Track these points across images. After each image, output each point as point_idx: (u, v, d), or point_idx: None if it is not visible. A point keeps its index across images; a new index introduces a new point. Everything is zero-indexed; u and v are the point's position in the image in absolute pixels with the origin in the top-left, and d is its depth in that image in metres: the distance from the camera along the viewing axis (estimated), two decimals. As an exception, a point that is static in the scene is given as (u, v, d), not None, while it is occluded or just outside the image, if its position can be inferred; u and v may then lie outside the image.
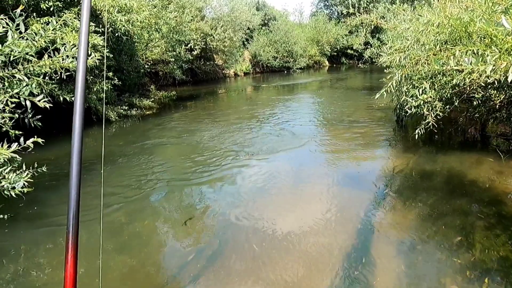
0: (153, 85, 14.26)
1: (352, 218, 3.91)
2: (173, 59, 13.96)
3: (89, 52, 5.64)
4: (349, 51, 31.35)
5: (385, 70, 6.93)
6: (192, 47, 16.35)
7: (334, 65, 31.20)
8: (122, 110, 8.95)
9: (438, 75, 4.70)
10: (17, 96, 3.62)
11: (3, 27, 3.58)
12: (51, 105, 3.81)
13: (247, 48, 25.69)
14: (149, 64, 12.49)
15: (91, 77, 7.81)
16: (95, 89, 7.81)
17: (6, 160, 3.44)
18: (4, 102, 3.65)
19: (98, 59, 4.88)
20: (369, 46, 21.70)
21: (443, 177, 4.89)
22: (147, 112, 10.04)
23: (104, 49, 7.08)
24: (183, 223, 4.05)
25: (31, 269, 3.25)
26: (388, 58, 5.02)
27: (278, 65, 25.77)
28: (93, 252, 3.38)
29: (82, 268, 3.16)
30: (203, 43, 17.23)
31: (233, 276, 3.04)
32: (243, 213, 4.11)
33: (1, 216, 3.43)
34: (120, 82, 8.69)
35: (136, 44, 10.80)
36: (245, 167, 5.57)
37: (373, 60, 15.40)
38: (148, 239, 3.83)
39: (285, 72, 25.88)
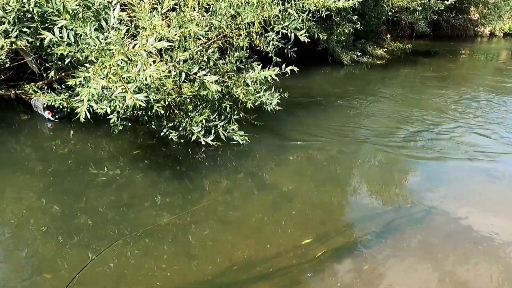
0: (389, 34, 13.53)
1: None
2: (421, 8, 12.54)
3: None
4: None
5: None
6: (447, -5, 14.12)
7: None
8: (355, 56, 9.08)
9: None
10: (286, 29, 4.24)
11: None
12: (309, 40, 4.29)
13: (521, 1, 19.93)
14: (392, 11, 11.75)
15: (337, 18, 8.14)
16: (337, 31, 8.15)
17: (264, 80, 4.21)
18: (274, 34, 4.35)
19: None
20: None
21: None
22: (377, 62, 9.81)
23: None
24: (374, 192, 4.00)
25: (272, 179, 4.05)
26: None
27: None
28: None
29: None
30: (462, -9, 14.56)
31: (418, 264, 2.87)
32: (453, 204, 3.63)
33: (257, 123, 4.34)
34: (362, 27, 8.69)
35: (385, -12, 10.29)
36: (471, 153, 4.76)
37: None
38: (342, 187, 3.99)
39: None
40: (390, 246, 2.89)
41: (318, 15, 4.79)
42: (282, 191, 3.69)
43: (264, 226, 3.09)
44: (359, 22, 8.54)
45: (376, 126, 5.38)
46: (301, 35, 4.13)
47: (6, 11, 2.97)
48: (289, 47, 4.46)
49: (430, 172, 4.23)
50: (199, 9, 3.96)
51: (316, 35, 4.74)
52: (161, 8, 3.48)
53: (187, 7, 3.67)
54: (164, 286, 2.43)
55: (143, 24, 3.27)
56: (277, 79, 3.88)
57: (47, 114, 4.86)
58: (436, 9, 13.58)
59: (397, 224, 3.18)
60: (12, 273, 2.60)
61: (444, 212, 3.36)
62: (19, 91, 5.22)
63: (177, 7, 3.73)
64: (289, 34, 4.17)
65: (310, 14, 4.50)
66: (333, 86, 7.65)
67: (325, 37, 4.88)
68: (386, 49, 11.21)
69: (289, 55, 4.46)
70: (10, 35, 3.08)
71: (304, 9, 4.33)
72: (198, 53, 3.83)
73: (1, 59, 4.50)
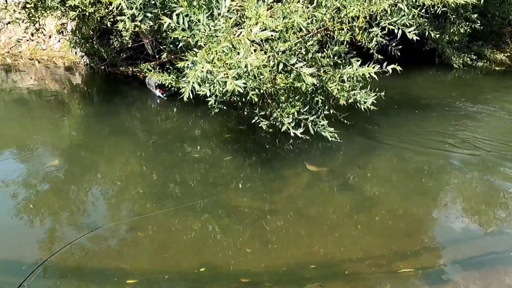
0: (514, 37, 11.68)
1: None
2: None
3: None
4: None
5: None
6: None
7: None
8: (468, 59, 8.07)
9: None
10: (393, 24, 3.97)
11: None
12: (418, 38, 3.95)
13: None
14: (524, 10, 10.08)
15: (453, 16, 7.31)
16: (450, 30, 7.33)
17: (362, 78, 4.02)
18: (379, 30, 4.10)
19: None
20: None
21: None
22: (496, 68, 8.56)
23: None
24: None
25: (356, 181, 3.87)
26: None
27: None
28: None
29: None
30: None
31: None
32: None
33: (347, 121, 4.20)
34: (481, 27, 7.66)
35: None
36: None
37: None
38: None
39: None
40: (487, 277, 2.56)
41: (432, 11, 4.38)
42: (365, 195, 3.54)
43: (343, 228, 3.01)
44: (478, 22, 7.54)
45: (482, 139, 4.73)
46: (409, 32, 3.83)
47: (136, -3, 3.37)
48: (394, 44, 4.18)
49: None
50: (304, 1, 3.95)
51: (426, 33, 4.34)
52: (268, -2, 3.57)
53: (293, -1, 3.69)
54: (239, 265, 2.56)
55: (248, 14, 3.40)
56: (376, 78, 3.68)
57: (158, 92, 5.43)
58: None
59: (498, 253, 2.79)
60: (101, 233, 2.98)
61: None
62: (136, 69, 5.93)
63: (283, -3, 3.78)
64: (395, 31, 3.90)
65: (423, 10, 4.13)
66: (437, 91, 6.95)
67: (436, 35, 4.43)
68: (508, 54, 9.72)
69: (393, 53, 4.18)
70: (136, 18, 3.49)
71: (417, 4, 3.99)
72: (297, 44, 3.84)
73: (125, 40, 5.15)
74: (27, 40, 7.45)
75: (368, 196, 3.53)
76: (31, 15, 4.49)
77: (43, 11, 4.43)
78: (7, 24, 7.36)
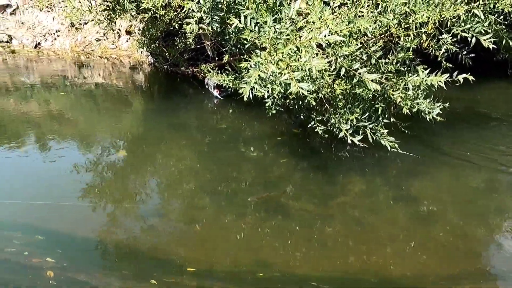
0: None
1: None
2: None
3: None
4: None
5: None
6: None
7: None
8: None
9: None
10: (466, 31, 3.73)
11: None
12: (495, 46, 3.68)
13: None
14: None
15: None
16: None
17: (428, 87, 3.81)
18: (450, 37, 3.87)
19: None
20: None
21: None
22: None
23: None
24: None
25: (413, 195, 3.69)
26: None
27: None
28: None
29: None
30: None
31: None
32: None
33: (408, 131, 4.02)
34: None
35: None
36: None
37: None
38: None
39: None
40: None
41: (509, 19, 4.05)
42: (423, 209, 3.36)
43: (399, 241, 2.88)
44: None
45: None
46: (485, 40, 3.58)
47: (205, 1, 3.52)
48: (465, 52, 3.94)
49: None
50: (368, 5, 3.86)
51: (504, 41, 4.02)
52: (333, 2, 3.55)
53: (359, 2, 3.63)
54: (295, 269, 2.54)
55: (313, 18, 3.40)
56: (445, 87, 3.48)
57: (216, 92, 5.61)
58: None
59: None
60: (163, 221, 3.12)
61: None
62: (196, 70, 6.18)
63: (349, 1, 3.73)
64: (469, 38, 3.67)
65: (501, 17, 3.84)
66: (509, 104, 6.40)
67: (517, 44, 4.09)
68: None
69: (463, 62, 3.93)
70: (203, 21, 3.65)
71: (495, 10, 3.71)
72: (360, 49, 3.75)
73: (189, 41, 5.40)
74: (100, 40, 8.09)
75: (426, 210, 3.35)
76: (109, 16, 4.89)
77: (119, 13, 4.80)
78: (84, 24, 8.05)
